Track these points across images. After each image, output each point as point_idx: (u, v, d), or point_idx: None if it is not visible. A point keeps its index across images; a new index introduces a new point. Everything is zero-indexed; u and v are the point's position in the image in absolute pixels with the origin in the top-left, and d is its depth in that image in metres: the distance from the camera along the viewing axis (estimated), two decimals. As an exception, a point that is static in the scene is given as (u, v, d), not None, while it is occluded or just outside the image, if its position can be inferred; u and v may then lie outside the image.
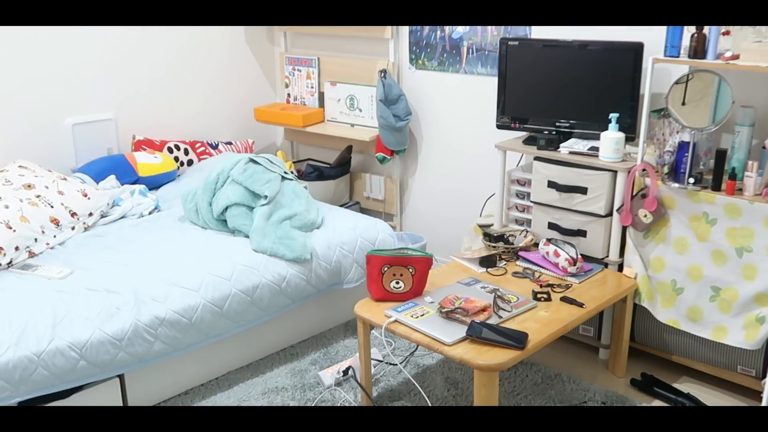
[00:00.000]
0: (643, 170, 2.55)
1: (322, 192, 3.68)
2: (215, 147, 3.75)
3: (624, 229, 2.66)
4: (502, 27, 3.17)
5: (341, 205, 3.70)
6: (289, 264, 2.69)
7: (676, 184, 2.48)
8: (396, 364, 2.72)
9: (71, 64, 3.32)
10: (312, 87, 3.95)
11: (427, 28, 3.45)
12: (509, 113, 2.99)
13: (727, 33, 2.38)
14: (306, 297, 2.77)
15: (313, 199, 3.20)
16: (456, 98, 3.45)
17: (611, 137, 2.60)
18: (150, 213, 3.08)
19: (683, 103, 2.45)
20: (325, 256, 2.80)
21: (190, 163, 3.64)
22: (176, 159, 3.58)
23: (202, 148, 3.70)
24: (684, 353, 2.65)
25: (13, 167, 2.95)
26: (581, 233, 2.73)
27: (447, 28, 3.37)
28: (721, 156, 2.43)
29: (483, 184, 3.37)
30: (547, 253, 2.64)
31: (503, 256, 2.76)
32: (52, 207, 2.76)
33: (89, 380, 2.20)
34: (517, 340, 2.09)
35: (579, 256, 2.59)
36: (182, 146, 3.64)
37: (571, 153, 2.72)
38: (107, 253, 2.64)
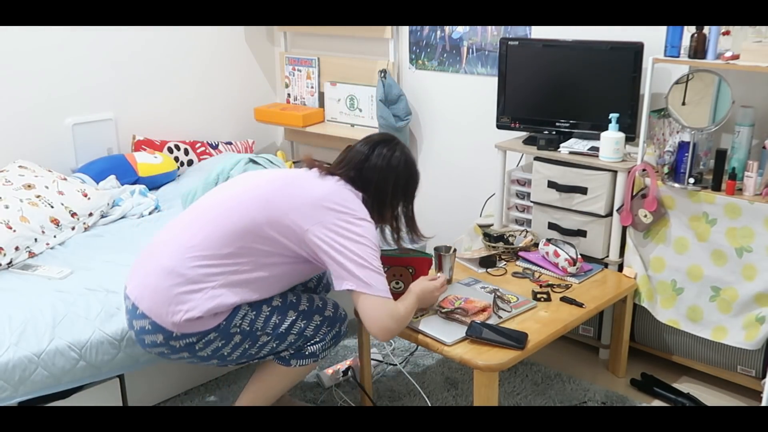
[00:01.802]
0: (643, 170, 2.55)
1: (322, 192, 3.68)
2: (215, 147, 3.75)
3: (624, 229, 2.66)
4: (502, 27, 3.17)
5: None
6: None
7: (676, 184, 2.48)
8: (396, 364, 2.72)
9: (71, 64, 3.32)
10: (312, 87, 3.95)
11: (427, 28, 3.45)
12: (509, 113, 2.99)
13: (727, 33, 2.38)
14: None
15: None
16: (456, 98, 3.45)
17: (611, 137, 2.60)
18: (150, 213, 3.08)
19: (683, 103, 2.45)
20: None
21: (190, 163, 3.64)
22: (176, 159, 3.58)
23: (202, 148, 3.71)
24: (684, 353, 2.65)
25: (13, 167, 2.95)
26: (581, 233, 2.73)
27: (447, 28, 3.37)
28: (721, 156, 2.43)
29: (483, 184, 3.37)
30: (547, 253, 2.64)
31: (503, 257, 2.76)
32: (52, 207, 2.76)
33: (89, 381, 2.20)
34: (517, 340, 2.09)
35: (579, 256, 2.59)
36: (182, 146, 3.64)
37: (571, 153, 2.72)
38: (107, 253, 2.64)
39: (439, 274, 2.31)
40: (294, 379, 2.18)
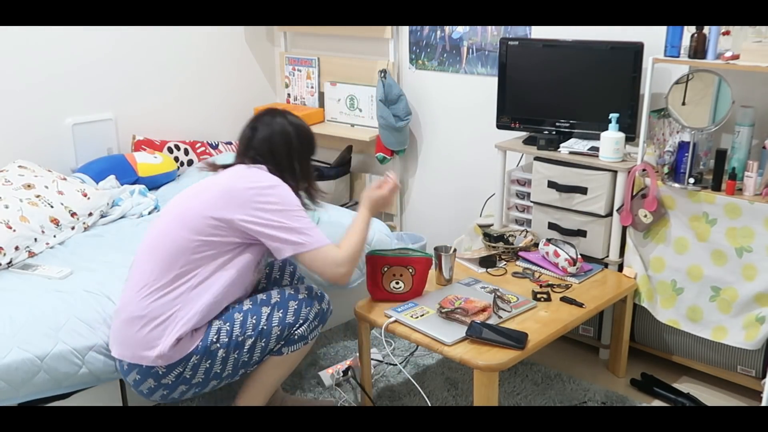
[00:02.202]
0: (643, 170, 2.55)
1: (322, 192, 3.68)
2: (215, 147, 3.75)
3: (624, 229, 2.66)
4: (502, 27, 3.17)
5: (341, 205, 3.70)
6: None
7: (676, 184, 2.48)
8: (396, 364, 2.72)
9: (71, 64, 3.32)
10: (312, 87, 3.95)
11: (427, 28, 3.45)
12: (509, 113, 2.99)
13: (727, 33, 2.38)
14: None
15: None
16: (456, 98, 3.45)
17: (611, 137, 2.60)
18: (150, 213, 3.08)
19: (683, 103, 2.45)
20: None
21: (190, 163, 3.64)
22: (176, 159, 3.58)
23: (202, 148, 3.70)
24: (684, 353, 2.65)
25: (13, 167, 2.95)
26: (581, 233, 2.73)
27: (447, 28, 3.37)
28: (721, 156, 2.43)
29: (483, 184, 3.37)
30: (547, 253, 2.64)
31: (503, 256, 2.76)
32: (51, 207, 2.76)
33: (88, 386, 2.19)
34: (517, 340, 2.09)
35: (579, 256, 2.59)
36: (182, 146, 3.64)
37: (571, 153, 2.72)
38: (107, 252, 2.64)
39: (388, 175, 2.29)
40: (289, 365, 2.19)
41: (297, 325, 2.13)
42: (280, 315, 2.11)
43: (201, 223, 2.01)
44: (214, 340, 2.04)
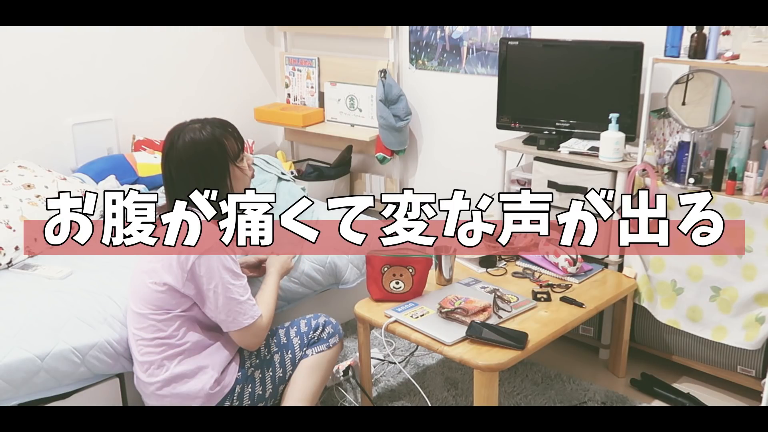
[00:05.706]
0: (643, 170, 2.55)
1: (322, 192, 3.68)
2: (215, 147, 3.74)
3: (624, 229, 2.66)
4: (502, 27, 3.17)
5: (341, 205, 3.70)
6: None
7: (676, 184, 2.48)
8: (395, 363, 2.72)
9: (71, 64, 3.32)
10: (312, 87, 3.95)
11: (427, 28, 3.45)
12: (509, 113, 2.99)
13: (727, 33, 2.38)
14: (299, 299, 2.74)
15: (312, 199, 3.18)
16: (456, 98, 3.45)
17: (611, 137, 2.60)
18: (150, 213, 3.07)
19: (683, 103, 2.45)
20: (317, 257, 2.77)
21: (190, 163, 3.64)
22: (176, 159, 3.58)
23: (202, 148, 3.70)
24: (684, 353, 2.65)
25: (13, 167, 2.94)
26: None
27: (447, 28, 3.37)
28: (721, 156, 2.43)
29: (483, 184, 3.37)
30: (547, 253, 2.64)
31: (503, 257, 2.75)
32: (52, 207, 2.76)
33: (88, 383, 2.20)
34: (517, 340, 2.09)
35: (579, 256, 2.58)
36: (182, 146, 3.64)
37: (571, 153, 2.72)
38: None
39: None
40: (319, 373, 2.19)
41: (313, 331, 2.20)
42: (295, 329, 2.21)
43: (168, 296, 1.99)
44: (249, 365, 2.11)
